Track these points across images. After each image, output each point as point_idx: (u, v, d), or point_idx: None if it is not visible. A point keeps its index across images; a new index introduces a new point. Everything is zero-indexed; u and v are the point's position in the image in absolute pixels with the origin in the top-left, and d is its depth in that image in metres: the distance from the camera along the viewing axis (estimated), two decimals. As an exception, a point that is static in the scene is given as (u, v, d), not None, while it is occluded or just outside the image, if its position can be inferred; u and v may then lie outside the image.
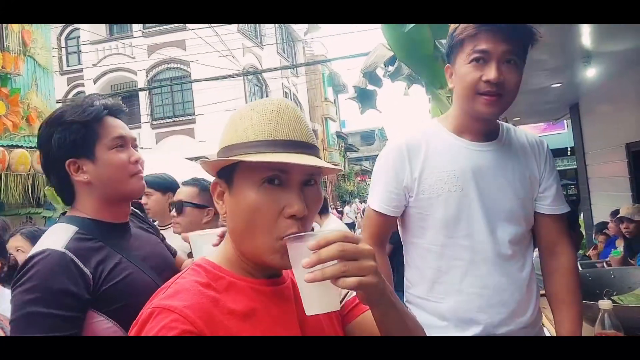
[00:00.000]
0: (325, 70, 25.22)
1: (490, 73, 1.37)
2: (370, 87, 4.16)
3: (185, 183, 2.31)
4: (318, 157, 0.84)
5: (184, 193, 2.25)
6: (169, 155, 12.54)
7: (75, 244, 1.20)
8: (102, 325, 1.19)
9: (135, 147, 1.40)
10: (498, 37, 1.36)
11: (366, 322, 0.91)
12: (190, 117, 17.66)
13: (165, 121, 17.86)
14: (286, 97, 22.09)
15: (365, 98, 4.26)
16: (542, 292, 1.64)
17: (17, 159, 6.65)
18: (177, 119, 17.79)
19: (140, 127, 17.72)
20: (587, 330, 1.64)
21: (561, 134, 10.44)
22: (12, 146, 6.89)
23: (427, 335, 1.39)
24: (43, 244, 1.20)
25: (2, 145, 6.68)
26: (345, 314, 0.96)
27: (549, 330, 2.08)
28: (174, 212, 2.21)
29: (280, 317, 0.84)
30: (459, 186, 1.48)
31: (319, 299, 0.75)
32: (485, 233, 1.48)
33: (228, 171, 0.82)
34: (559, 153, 10.91)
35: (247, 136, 0.80)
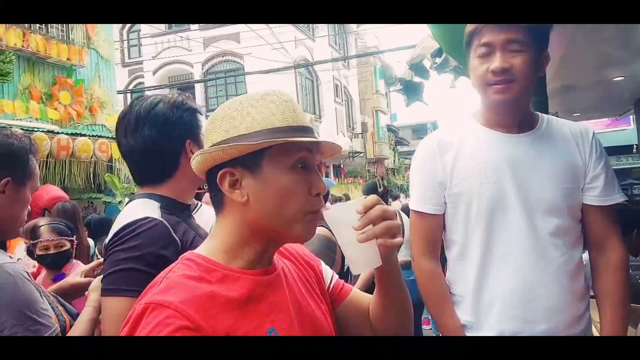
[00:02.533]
0: (377, 63, 24.94)
1: (494, 63, 1.39)
2: (416, 79, 4.10)
3: None
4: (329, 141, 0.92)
5: None
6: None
7: (165, 216, 1.28)
8: None
9: None
10: (498, 27, 1.39)
11: (353, 302, 1.04)
12: (242, 109, 17.98)
13: (219, 112, 18.32)
14: (337, 89, 22.07)
15: (411, 90, 4.20)
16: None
17: (80, 147, 7.04)
18: (230, 111, 18.17)
19: (195, 118, 18.28)
20: (631, 333, 1.56)
21: (626, 130, 9.84)
22: (76, 134, 7.30)
23: (466, 334, 1.38)
24: (140, 212, 1.27)
25: (67, 133, 7.10)
26: (335, 297, 1.04)
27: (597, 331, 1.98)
28: None
29: (275, 303, 0.87)
30: (491, 178, 1.44)
31: (365, 259, 0.89)
32: (523, 225, 1.43)
33: (251, 158, 0.84)
34: (623, 150, 10.31)
35: (271, 122, 0.84)
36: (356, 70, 24.12)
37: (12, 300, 1.17)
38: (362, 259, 0.89)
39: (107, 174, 7.52)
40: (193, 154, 1.29)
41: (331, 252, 1.99)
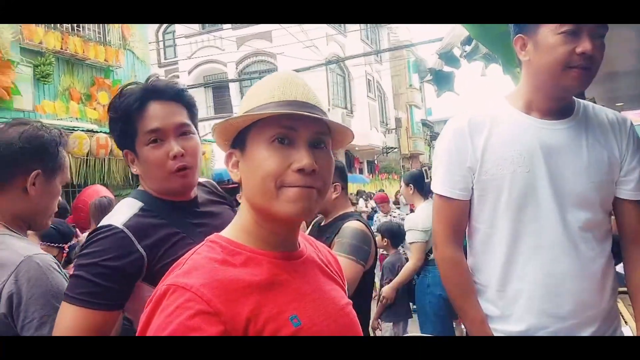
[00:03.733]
0: (411, 56, 24.59)
1: (586, 45, 1.28)
2: (447, 68, 3.98)
3: None
4: (323, 116, 0.85)
5: None
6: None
7: (137, 220, 1.22)
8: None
9: (186, 134, 1.28)
10: None
11: None
12: (275, 107, 18.14)
13: (253, 111, 18.54)
14: (369, 84, 21.92)
15: (442, 80, 4.08)
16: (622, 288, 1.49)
17: (118, 146, 7.24)
18: (264, 109, 18.38)
19: (231, 115, 18.55)
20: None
21: (676, 121, 9.32)
22: (114, 133, 7.51)
23: (490, 326, 1.33)
24: (109, 218, 1.25)
25: (106, 132, 7.31)
26: None
27: (631, 329, 1.89)
28: None
29: (300, 290, 0.85)
30: (525, 166, 1.37)
31: None
32: (554, 217, 1.37)
33: (241, 137, 0.85)
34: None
35: (258, 101, 0.84)
36: (389, 65, 23.85)
37: (41, 291, 1.19)
38: None
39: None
40: (134, 164, 1.30)
41: (366, 245, 1.96)
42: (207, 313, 0.72)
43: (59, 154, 1.39)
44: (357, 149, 21.32)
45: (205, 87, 18.65)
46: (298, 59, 14.76)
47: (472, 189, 1.46)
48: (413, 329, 4.21)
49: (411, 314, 4.11)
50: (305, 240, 0.99)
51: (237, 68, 18.49)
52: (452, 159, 1.46)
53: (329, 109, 18.06)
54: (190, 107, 1.33)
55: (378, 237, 4.72)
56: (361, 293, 1.93)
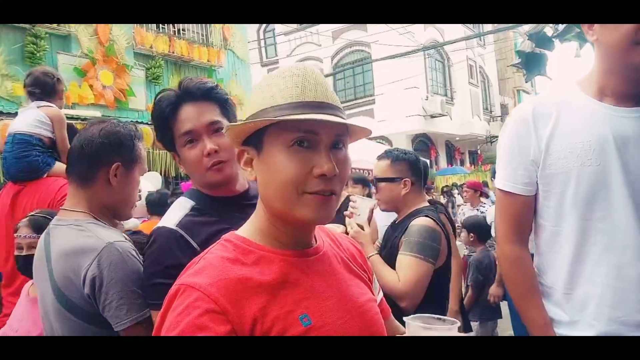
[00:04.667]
0: (518, 38, 22.93)
1: None
2: (538, 50, 3.63)
3: (379, 157, 2.25)
4: (344, 118, 0.83)
5: (377, 168, 2.23)
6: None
7: (188, 219, 1.29)
8: None
9: (219, 130, 1.31)
10: None
11: (388, 328, 0.98)
12: (370, 98, 18.06)
13: (347, 104, 18.63)
14: (471, 70, 20.84)
15: (532, 63, 3.72)
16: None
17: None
18: (358, 101, 18.37)
19: (326, 110, 18.84)
20: None
21: None
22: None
23: (556, 331, 1.25)
24: (163, 220, 1.33)
25: None
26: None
27: None
28: (374, 190, 2.28)
29: (313, 288, 0.83)
30: (594, 159, 1.26)
31: None
32: (628, 215, 1.25)
33: (257, 137, 0.82)
34: None
35: (275, 100, 0.80)
36: (493, 48, 22.45)
37: (119, 275, 1.28)
38: None
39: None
40: (179, 163, 1.34)
41: (434, 242, 1.88)
42: (215, 312, 0.72)
43: (135, 146, 1.48)
44: (457, 138, 20.44)
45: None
46: (393, 46, 14.49)
47: (537, 183, 1.35)
48: (503, 331, 3.98)
49: (501, 313, 3.87)
50: (325, 234, 0.97)
51: (332, 62, 18.66)
52: (515, 152, 1.36)
53: (427, 97, 17.53)
54: (222, 103, 1.35)
55: (463, 233, 4.48)
56: (433, 293, 1.86)
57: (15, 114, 5.30)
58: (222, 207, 1.33)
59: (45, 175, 2.64)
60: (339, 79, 18.90)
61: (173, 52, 8.56)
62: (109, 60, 7.48)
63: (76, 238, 1.36)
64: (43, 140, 2.63)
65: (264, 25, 21.10)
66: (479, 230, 4.08)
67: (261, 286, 0.78)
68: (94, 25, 7.32)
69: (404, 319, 0.82)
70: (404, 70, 16.01)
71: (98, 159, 1.43)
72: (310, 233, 0.90)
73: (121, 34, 7.68)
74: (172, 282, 1.14)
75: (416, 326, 0.77)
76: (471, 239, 4.15)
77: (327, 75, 17.99)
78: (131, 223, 2.06)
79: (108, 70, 7.46)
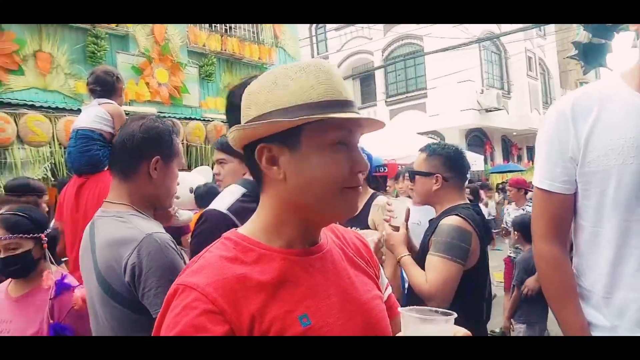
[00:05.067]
0: (581, 28, 21.67)
1: None
2: (596, 40, 3.39)
3: (419, 149, 2.21)
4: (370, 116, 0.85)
5: (415, 161, 2.20)
6: (401, 131, 12.92)
7: (239, 205, 1.37)
8: None
9: None
10: None
11: (397, 325, 0.90)
12: (422, 92, 17.71)
13: (398, 97, 18.36)
14: (530, 62, 19.95)
15: (591, 54, 3.48)
16: None
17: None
18: (410, 94, 18.05)
19: (375, 104, 18.69)
20: None
21: None
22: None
23: (592, 334, 1.20)
24: (214, 203, 1.41)
25: None
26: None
27: None
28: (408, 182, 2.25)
29: (314, 287, 0.82)
30: (637, 157, 1.19)
31: None
32: None
33: (290, 134, 0.79)
34: None
35: (309, 97, 0.79)
36: (554, 38, 21.35)
37: (157, 265, 1.32)
38: None
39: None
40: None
41: (463, 242, 1.82)
42: (212, 312, 0.72)
43: (173, 141, 1.54)
44: (514, 133, 19.66)
45: (352, 79, 18.99)
46: (446, 39, 14.11)
47: (576, 181, 1.27)
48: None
49: (547, 315, 3.71)
50: (329, 231, 0.96)
51: (382, 55, 18.44)
52: (553, 148, 1.29)
53: (482, 90, 16.97)
54: None
55: (512, 233, 4.33)
56: (464, 294, 1.80)
57: (78, 110, 5.63)
58: None
59: (106, 168, 2.79)
60: (390, 71, 18.63)
61: (225, 50, 8.76)
62: (164, 58, 7.76)
63: (118, 229, 1.42)
64: (104, 135, 2.77)
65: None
66: (526, 229, 3.92)
67: (260, 285, 0.77)
68: (151, 25, 7.63)
69: (399, 309, 0.80)
70: (457, 63, 15.55)
71: (139, 153, 1.49)
72: (320, 230, 0.90)
73: (176, 33, 7.95)
74: None
75: (411, 317, 0.74)
76: (516, 238, 4.00)
77: (377, 68, 17.85)
78: (185, 216, 2.14)
79: (163, 68, 7.74)
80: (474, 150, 14.88)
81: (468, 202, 2.08)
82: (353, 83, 19.46)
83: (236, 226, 1.24)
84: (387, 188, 5.21)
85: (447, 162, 2.04)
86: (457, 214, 1.89)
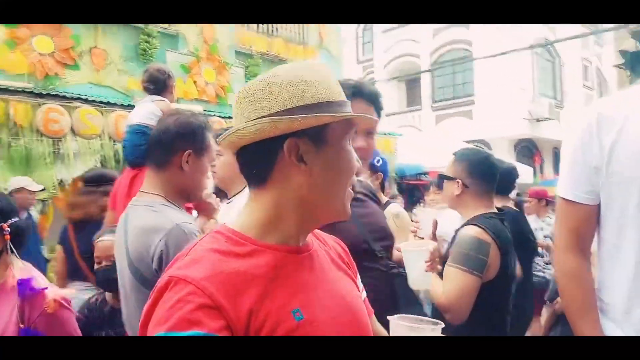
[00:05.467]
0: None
1: None
2: None
3: (453, 153, 2.18)
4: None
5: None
6: (446, 138, 12.68)
7: None
8: None
9: (371, 133, 1.51)
10: None
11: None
12: (469, 99, 17.30)
13: (445, 103, 18.03)
14: (586, 71, 19.11)
15: (638, 63, 3.31)
16: None
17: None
18: (456, 101, 17.69)
19: (420, 109, 18.42)
20: None
21: None
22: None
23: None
24: None
25: None
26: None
27: None
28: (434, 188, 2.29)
29: (304, 284, 0.84)
30: None
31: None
32: None
33: (315, 131, 0.80)
34: None
35: (331, 95, 0.82)
36: (613, 47, 20.35)
37: None
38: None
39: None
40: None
41: (481, 254, 1.77)
42: (209, 307, 0.71)
43: (205, 136, 1.62)
44: (566, 144, 18.85)
45: (398, 81, 18.81)
46: (497, 44, 13.74)
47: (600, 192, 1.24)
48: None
49: None
50: (312, 235, 0.97)
51: (430, 58, 18.16)
52: (577, 158, 1.26)
53: (533, 98, 16.40)
54: (379, 111, 1.56)
55: (547, 242, 4.17)
56: (484, 306, 1.76)
57: (128, 106, 5.88)
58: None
59: None
60: (438, 76, 18.32)
61: (270, 51, 8.91)
62: (212, 58, 7.98)
63: (149, 218, 1.50)
64: None
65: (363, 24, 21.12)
66: None
67: (254, 279, 0.77)
68: (201, 25, 7.87)
69: (388, 317, 0.81)
70: (508, 70, 15.11)
71: (172, 147, 1.57)
72: (310, 230, 0.92)
73: (224, 33, 8.17)
74: None
75: (400, 325, 0.76)
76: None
77: (424, 72, 17.58)
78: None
79: (211, 68, 7.96)
80: (522, 161, 14.40)
81: (495, 210, 2.03)
82: (398, 86, 19.28)
83: None
84: (427, 199, 5.11)
85: (469, 168, 2.00)
86: (476, 224, 1.85)
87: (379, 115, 1.55)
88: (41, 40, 6.18)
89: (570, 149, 1.30)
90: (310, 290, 0.83)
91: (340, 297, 0.88)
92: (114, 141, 5.75)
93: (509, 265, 1.89)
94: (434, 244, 1.49)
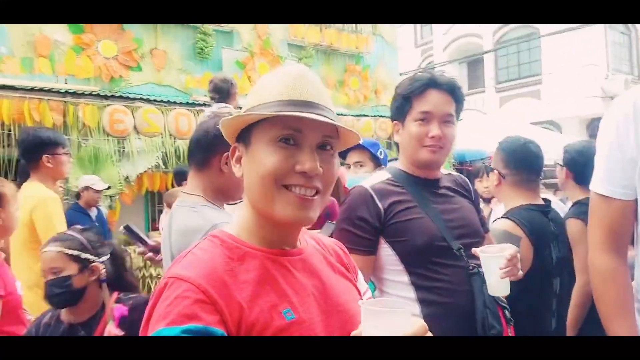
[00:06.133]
0: None
1: None
2: None
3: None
4: (332, 120, 0.83)
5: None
6: (511, 120, 12.08)
7: (381, 185, 1.58)
8: (386, 252, 1.54)
9: (448, 122, 1.55)
10: None
11: None
12: (536, 78, 16.37)
13: (509, 84, 17.19)
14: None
15: None
16: None
17: (363, 127, 7.86)
18: (522, 81, 16.79)
19: (484, 91, 17.69)
20: None
21: None
22: (360, 115, 8.17)
23: None
24: (362, 182, 1.64)
25: (353, 115, 8.02)
26: None
27: None
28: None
29: (295, 285, 0.86)
30: None
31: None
32: None
33: (246, 134, 0.86)
34: None
35: (265, 98, 0.83)
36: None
37: None
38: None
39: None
40: (398, 133, 1.62)
41: None
42: (204, 302, 0.75)
43: None
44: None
45: (459, 63, 18.16)
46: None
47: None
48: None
49: None
50: (309, 237, 0.99)
51: (493, 38, 17.33)
52: (612, 151, 1.19)
53: (607, 75, 15.25)
54: (459, 101, 1.58)
55: None
56: (518, 303, 1.67)
57: (187, 104, 6.14)
58: (413, 185, 1.59)
59: None
60: (502, 56, 17.47)
61: (323, 42, 8.90)
62: (265, 52, 8.10)
63: (190, 218, 1.57)
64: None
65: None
66: None
67: (246, 281, 0.81)
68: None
69: (358, 302, 0.82)
70: (578, 46, 14.13)
71: (212, 149, 1.62)
72: (295, 234, 0.92)
73: (277, 27, 8.25)
74: (355, 231, 1.53)
75: (365, 309, 0.76)
76: None
77: (486, 52, 16.83)
78: None
79: (265, 62, 8.09)
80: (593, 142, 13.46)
81: (540, 202, 1.92)
82: (460, 67, 18.61)
83: (374, 202, 1.53)
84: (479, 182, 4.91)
85: (506, 159, 1.92)
86: (508, 217, 1.78)
87: (459, 105, 1.57)
88: (106, 44, 6.57)
89: (605, 141, 1.23)
90: (301, 291, 0.85)
91: (331, 299, 0.89)
92: (175, 138, 6.01)
93: (545, 260, 1.79)
94: (512, 249, 1.40)
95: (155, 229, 6.48)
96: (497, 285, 1.41)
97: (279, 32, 8.30)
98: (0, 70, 5.51)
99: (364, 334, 0.75)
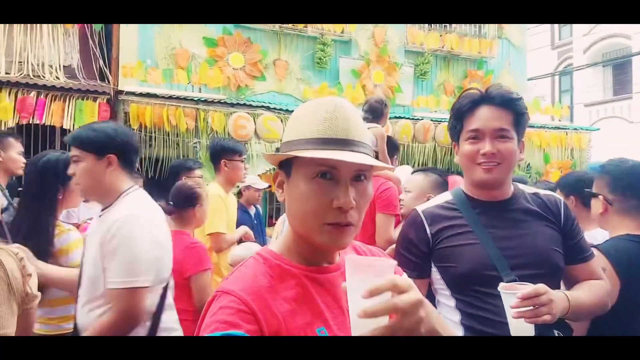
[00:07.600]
0: None
1: None
2: None
3: None
4: (368, 154, 0.90)
5: None
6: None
7: (433, 210, 1.55)
8: (435, 275, 1.53)
9: (503, 137, 1.44)
10: None
11: None
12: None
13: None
14: None
15: None
16: None
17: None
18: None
19: (631, 97, 15.68)
20: None
21: None
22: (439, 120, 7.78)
23: None
24: (425, 202, 1.65)
25: (432, 120, 7.72)
26: None
27: None
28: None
29: (330, 303, 0.91)
30: None
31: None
32: None
33: (288, 164, 0.93)
34: None
35: (303, 134, 0.90)
36: None
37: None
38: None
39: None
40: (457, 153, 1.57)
41: None
42: (245, 312, 0.82)
43: None
44: None
45: (603, 66, 16.32)
46: None
47: None
48: None
49: None
50: (352, 249, 1.03)
51: (644, 37, 15.28)
52: None
53: None
54: (518, 114, 1.46)
55: None
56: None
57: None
58: (471, 208, 1.51)
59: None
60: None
61: (443, 47, 8.69)
62: (381, 60, 8.15)
63: None
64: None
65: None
66: None
67: (285, 298, 0.87)
68: (372, 29, 8.11)
69: (345, 256, 0.86)
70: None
71: None
72: (333, 254, 0.97)
73: (395, 34, 8.27)
74: (406, 254, 1.55)
75: (348, 263, 0.78)
76: None
77: (635, 54, 14.89)
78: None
79: (380, 70, 8.15)
80: None
81: None
82: (604, 71, 16.73)
83: (423, 226, 1.51)
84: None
85: (613, 183, 1.72)
86: (597, 246, 1.60)
87: (519, 117, 1.45)
88: (235, 56, 7.19)
89: None
90: (335, 309, 0.90)
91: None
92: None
93: (635, 293, 1.58)
94: (529, 288, 1.22)
95: (272, 224, 6.91)
96: (515, 326, 1.25)
97: (396, 39, 8.30)
98: (146, 80, 6.32)
99: (348, 289, 0.78)
